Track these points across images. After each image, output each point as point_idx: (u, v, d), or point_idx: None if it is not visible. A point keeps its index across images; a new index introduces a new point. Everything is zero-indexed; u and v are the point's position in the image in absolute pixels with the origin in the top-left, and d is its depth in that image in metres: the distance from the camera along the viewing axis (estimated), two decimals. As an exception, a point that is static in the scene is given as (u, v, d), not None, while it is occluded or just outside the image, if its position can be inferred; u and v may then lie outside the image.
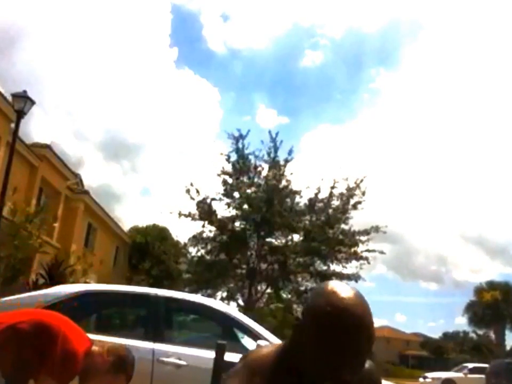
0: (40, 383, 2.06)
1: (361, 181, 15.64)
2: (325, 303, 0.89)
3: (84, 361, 2.14)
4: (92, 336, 3.54)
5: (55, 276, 11.11)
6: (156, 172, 49.42)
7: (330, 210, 15.89)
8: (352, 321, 0.87)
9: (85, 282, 11.51)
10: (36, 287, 10.07)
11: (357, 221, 16.23)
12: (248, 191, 15.69)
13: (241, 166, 15.58)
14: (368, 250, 15.64)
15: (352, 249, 15.81)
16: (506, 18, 57.46)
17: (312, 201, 15.88)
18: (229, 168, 15.60)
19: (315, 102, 66.35)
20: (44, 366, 2.05)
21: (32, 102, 10.32)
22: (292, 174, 15.72)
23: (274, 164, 15.66)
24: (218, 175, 15.50)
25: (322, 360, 0.87)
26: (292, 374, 0.93)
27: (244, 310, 13.74)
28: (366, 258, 15.69)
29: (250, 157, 15.69)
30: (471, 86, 66.01)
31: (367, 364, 1.06)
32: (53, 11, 39.61)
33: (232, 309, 3.93)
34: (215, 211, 15.67)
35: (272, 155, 15.67)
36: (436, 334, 53.53)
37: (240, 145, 15.51)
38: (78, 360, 2.11)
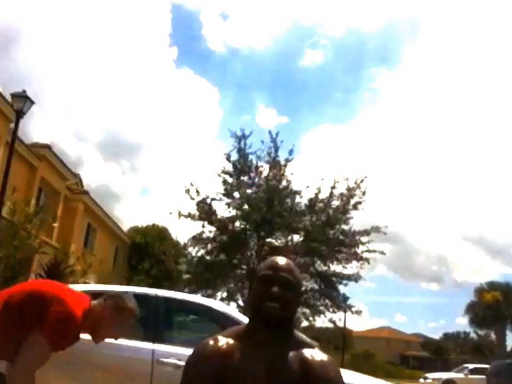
0: (32, 336, 2.10)
1: (362, 181, 15.57)
2: (266, 261, 1.45)
3: (90, 316, 2.21)
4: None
5: (54, 277, 11.05)
6: (155, 172, 49.37)
7: (330, 211, 15.82)
8: (274, 265, 1.38)
9: (85, 282, 11.48)
10: (35, 287, 10.02)
11: (357, 221, 16.17)
12: (249, 191, 15.63)
13: (242, 165, 15.51)
14: (368, 251, 15.57)
15: (353, 250, 15.74)
16: (506, 17, 57.39)
17: (312, 202, 15.81)
18: (229, 167, 15.55)
19: (315, 101, 66.44)
20: (41, 329, 2.11)
21: (32, 102, 10.29)
22: (292, 174, 15.65)
23: (274, 164, 15.58)
24: (219, 174, 15.44)
25: (259, 287, 1.35)
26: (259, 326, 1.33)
27: (244, 310, 13.69)
28: (367, 259, 15.62)
29: (251, 157, 15.63)
30: (472, 85, 65.90)
31: (325, 357, 1.33)
32: (52, 10, 39.56)
33: (232, 310, 3.89)
34: (215, 211, 15.61)
35: (272, 155, 15.60)
36: (436, 335, 53.56)
37: (242, 145, 15.44)
38: (74, 319, 2.15)
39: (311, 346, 1.36)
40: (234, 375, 1.27)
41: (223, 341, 1.35)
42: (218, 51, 63.74)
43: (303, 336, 1.38)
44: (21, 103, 10.11)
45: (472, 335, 42.22)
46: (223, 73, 66.37)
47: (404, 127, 66.26)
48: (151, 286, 16.10)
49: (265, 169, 15.77)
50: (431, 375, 23.34)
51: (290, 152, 15.57)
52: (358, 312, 16.52)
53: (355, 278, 15.81)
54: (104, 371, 3.12)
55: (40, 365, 2.15)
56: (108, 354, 3.13)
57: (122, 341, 3.34)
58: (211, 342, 1.35)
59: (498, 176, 60.20)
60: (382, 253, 15.99)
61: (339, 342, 26.95)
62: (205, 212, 15.39)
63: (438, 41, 61.88)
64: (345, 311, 18.30)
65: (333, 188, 15.67)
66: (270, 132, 15.78)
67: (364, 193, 15.67)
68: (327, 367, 1.31)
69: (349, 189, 15.69)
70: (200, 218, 15.41)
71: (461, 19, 60.87)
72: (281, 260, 1.39)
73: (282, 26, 64.12)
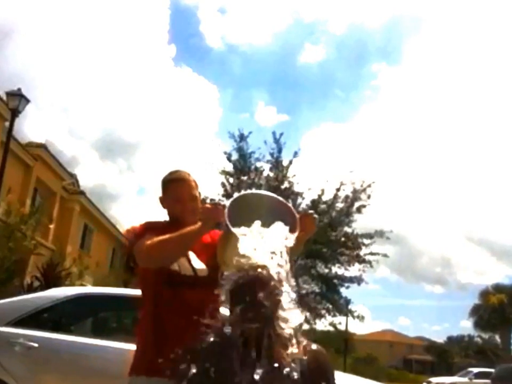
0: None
1: (369, 185, 15.29)
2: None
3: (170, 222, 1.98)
4: (89, 340, 3.28)
5: (50, 278, 10.85)
6: (152, 171, 48.87)
7: (333, 213, 15.58)
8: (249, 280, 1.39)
9: (81, 285, 11.28)
10: (31, 289, 9.83)
11: (360, 221, 15.91)
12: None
13: (242, 166, 15.30)
14: (371, 253, 15.32)
15: (355, 252, 15.50)
16: (508, 15, 57.23)
17: (315, 203, 15.56)
18: (229, 167, 15.34)
19: (316, 99, 65.97)
20: None
21: (27, 100, 10.20)
22: (294, 175, 15.41)
23: (277, 165, 15.36)
24: (220, 173, 15.22)
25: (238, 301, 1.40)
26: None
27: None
28: (369, 262, 15.37)
29: (252, 156, 15.40)
30: (478, 82, 65.60)
31: (315, 347, 1.41)
32: (48, 6, 39.25)
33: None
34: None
35: (275, 155, 15.37)
36: (440, 338, 53.02)
37: (242, 145, 15.22)
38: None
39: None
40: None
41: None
42: (217, 48, 63.32)
43: None
44: (16, 101, 10.05)
45: (477, 338, 41.91)
46: (222, 71, 66.09)
47: (407, 126, 66.08)
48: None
49: (265, 169, 15.54)
50: (435, 380, 23.06)
51: (295, 154, 15.32)
52: (361, 318, 16.24)
53: (357, 280, 15.56)
54: (101, 374, 3.03)
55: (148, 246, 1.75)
56: (105, 357, 3.08)
57: (119, 344, 3.16)
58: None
59: (502, 176, 59.85)
60: (385, 255, 15.72)
61: (340, 345, 26.61)
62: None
63: (441, 38, 61.72)
64: (346, 315, 17.99)
65: (338, 190, 15.43)
66: (274, 133, 15.55)
67: (369, 196, 15.43)
68: (319, 354, 1.41)
69: (354, 192, 15.44)
70: (200, 220, 15.17)
71: (463, 15, 60.81)
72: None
73: (282, 22, 63.66)
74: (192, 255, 1.90)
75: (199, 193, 2.01)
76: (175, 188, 1.96)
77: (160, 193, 2.04)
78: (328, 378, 1.40)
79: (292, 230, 1.59)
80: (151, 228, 1.87)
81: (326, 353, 1.43)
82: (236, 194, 1.72)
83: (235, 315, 1.37)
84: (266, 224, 1.65)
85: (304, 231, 1.67)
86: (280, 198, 1.80)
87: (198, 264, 1.89)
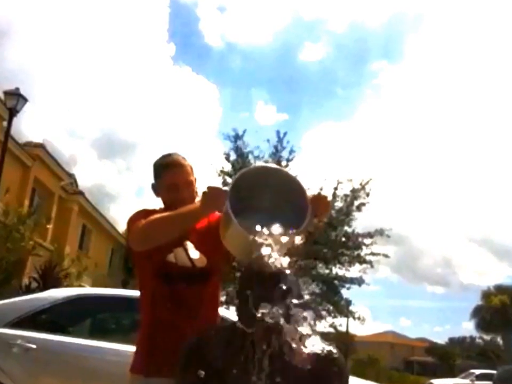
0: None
1: (367, 183, 15.24)
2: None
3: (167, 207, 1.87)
4: (87, 341, 3.23)
5: (48, 279, 10.77)
6: (151, 172, 48.47)
7: (333, 212, 15.50)
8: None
9: (79, 285, 11.22)
10: (29, 290, 9.77)
11: (360, 222, 15.86)
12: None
13: (241, 165, 15.23)
14: (372, 254, 15.26)
15: (356, 252, 15.44)
16: (509, 11, 57.19)
17: (314, 203, 15.49)
18: (228, 167, 15.28)
19: (316, 98, 65.49)
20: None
21: (25, 100, 10.17)
22: (296, 176, 15.34)
23: (278, 164, 15.29)
24: (219, 174, 15.17)
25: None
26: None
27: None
28: (370, 262, 15.31)
29: (251, 156, 15.36)
30: (479, 80, 65.54)
31: (330, 347, 1.36)
32: (47, 5, 39.06)
33: (231, 313, 3.59)
34: (214, 212, 15.29)
35: (277, 155, 15.33)
36: (441, 339, 52.57)
37: (239, 144, 15.19)
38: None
39: None
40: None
41: None
42: (216, 46, 62.80)
43: None
44: (14, 101, 10.05)
45: (479, 340, 41.77)
46: (221, 70, 65.67)
47: (408, 125, 65.94)
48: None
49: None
50: (436, 381, 22.94)
51: (291, 151, 15.28)
52: (361, 320, 16.16)
53: (358, 281, 15.49)
54: (100, 376, 3.05)
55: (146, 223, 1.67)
56: (104, 359, 3.09)
57: (116, 346, 3.17)
58: None
59: (504, 176, 59.74)
60: (386, 256, 15.66)
61: (341, 347, 26.51)
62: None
63: (442, 36, 61.63)
64: (347, 317, 17.92)
65: (335, 189, 15.38)
66: (278, 132, 15.52)
67: (368, 194, 15.37)
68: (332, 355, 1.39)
69: (353, 190, 15.39)
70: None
71: (464, 13, 60.82)
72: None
73: (282, 20, 62.92)
74: (189, 244, 1.80)
75: (195, 178, 1.90)
76: (170, 174, 1.83)
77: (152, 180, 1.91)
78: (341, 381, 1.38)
79: (302, 214, 1.47)
80: (146, 214, 1.78)
81: (340, 355, 1.37)
82: (238, 173, 1.60)
83: (244, 311, 1.24)
84: (273, 206, 1.55)
85: (316, 216, 1.54)
86: (290, 174, 1.68)
87: (196, 254, 1.80)
